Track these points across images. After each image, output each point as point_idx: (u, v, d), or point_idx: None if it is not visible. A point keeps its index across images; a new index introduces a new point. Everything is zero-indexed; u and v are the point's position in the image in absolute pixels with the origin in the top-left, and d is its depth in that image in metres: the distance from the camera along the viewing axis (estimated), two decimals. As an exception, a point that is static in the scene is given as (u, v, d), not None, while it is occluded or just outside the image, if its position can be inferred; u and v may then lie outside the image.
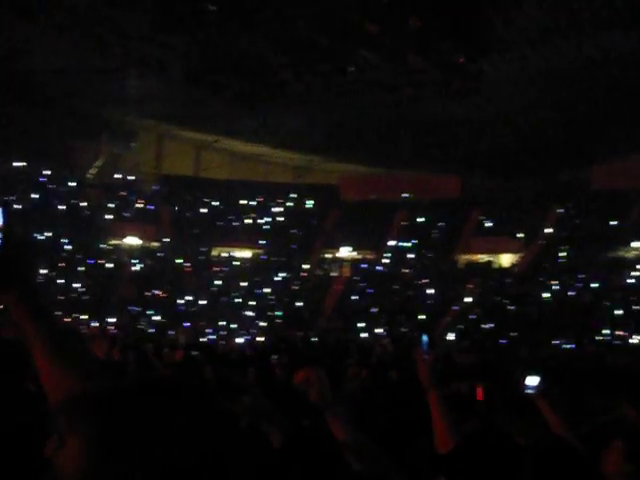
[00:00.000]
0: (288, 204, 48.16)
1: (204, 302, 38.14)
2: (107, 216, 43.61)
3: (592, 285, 35.97)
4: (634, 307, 32.55)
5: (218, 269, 42.66)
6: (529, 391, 4.26)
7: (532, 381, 4.24)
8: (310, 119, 36.12)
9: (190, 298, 38.37)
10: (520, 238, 42.02)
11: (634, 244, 38.74)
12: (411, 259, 42.94)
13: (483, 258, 43.34)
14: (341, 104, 34.04)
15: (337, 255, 44.68)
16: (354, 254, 44.44)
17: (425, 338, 3.65)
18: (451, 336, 29.28)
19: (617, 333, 29.56)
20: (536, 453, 3.17)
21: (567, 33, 27.68)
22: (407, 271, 41.61)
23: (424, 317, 34.89)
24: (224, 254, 44.58)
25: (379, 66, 29.30)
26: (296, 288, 41.03)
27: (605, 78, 31.40)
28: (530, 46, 28.84)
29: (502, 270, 41.88)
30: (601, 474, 3.32)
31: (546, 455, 3.15)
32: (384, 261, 43.01)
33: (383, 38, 26.83)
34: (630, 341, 28.24)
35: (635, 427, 4.00)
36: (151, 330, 30.47)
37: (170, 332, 28.13)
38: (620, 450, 3.29)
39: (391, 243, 44.24)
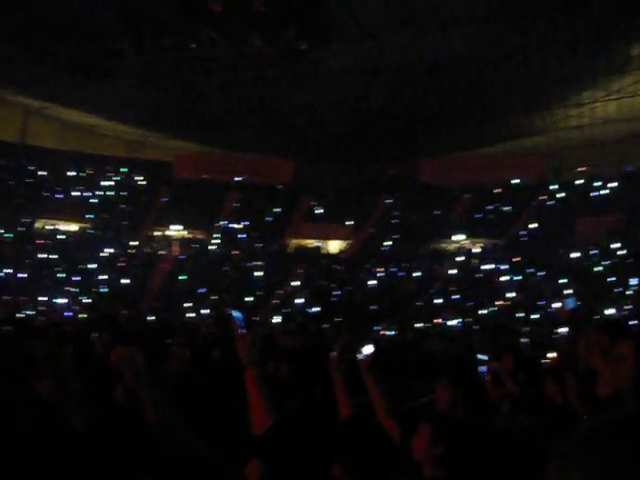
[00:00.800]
0: (119, 178, 46.96)
1: (24, 275, 36.61)
2: None
3: (415, 274, 37.37)
4: (453, 297, 34.14)
5: (42, 242, 41.01)
6: (360, 356, 4.39)
7: (367, 350, 4.37)
8: (147, 93, 35.30)
9: (10, 271, 36.69)
10: (349, 226, 42.99)
11: (455, 237, 40.62)
12: (241, 241, 43.02)
13: (312, 243, 44.02)
14: (180, 81, 33.50)
15: (167, 233, 44.10)
16: (184, 233, 44.02)
17: (237, 314, 3.65)
18: (277, 319, 29.54)
19: (436, 321, 30.82)
20: (343, 435, 3.25)
21: (405, 30, 28.47)
22: (237, 253, 41.64)
23: (252, 299, 35.08)
24: (48, 226, 42.92)
25: (221, 46, 29.03)
26: (123, 265, 40.14)
27: (437, 78, 32.56)
28: (370, 40, 29.47)
29: (330, 256, 42.70)
30: (412, 458, 3.45)
31: (353, 437, 3.24)
32: (214, 241, 42.84)
33: (227, 18, 26.59)
34: (449, 323, 29.60)
35: (450, 409, 4.17)
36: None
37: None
38: (428, 434, 3.42)
39: (222, 224, 44.12)
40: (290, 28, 27.22)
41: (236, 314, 3.62)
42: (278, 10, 26.07)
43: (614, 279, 32.71)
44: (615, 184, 40.57)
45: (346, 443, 3.14)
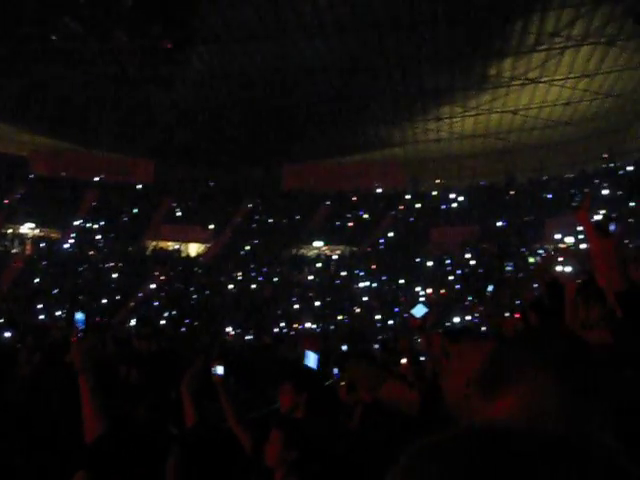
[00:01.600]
0: (-31, 172, 44.81)
1: None
2: None
3: (274, 279, 37.53)
4: (315, 303, 34.53)
5: None
6: (214, 372, 4.45)
7: (220, 370, 4.44)
8: (4, 84, 33.88)
9: None
10: (210, 229, 42.71)
11: (316, 243, 41.05)
12: (98, 241, 41.92)
13: (171, 246, 43.46)
14: (40, 73, 32.33)
15: (19, 231, 42.41)
16: (37, 231, 42.48)
17: (79, 316, 3.58)
18: (133, 322, 29.00)
19: (294, 326, 31.06)
20: (182, 443, 3.23)
21: (273, 36, 28.60)
22: (93, 253, 40.56)
23: (106, 301, 34.26)
24: None
25: (84, 39, 28.21)
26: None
27: (302, 85, 32.88)
28: (237, 44, 29.43)
29: (189, 259, 42.29)
30: (263, 465, 3.44)
31: (191, 445, 3.22)
32: (69, 241, 41.55)
33: (92, 11, 25.89)
34: (307, 325, 29.91)
35: (290, 413, 4.21)
36: None
37: None
38: (280, 439, 3.41)
39: (78, 223, 42.81)
40: (156, 25, 26.81)
41: (78, 316, 3.55)
42: (145, 6, 25.64)
43: (464, 287, 33.95)
44: (468, 197, 42.15)
45: (186, 449, 3.12)
